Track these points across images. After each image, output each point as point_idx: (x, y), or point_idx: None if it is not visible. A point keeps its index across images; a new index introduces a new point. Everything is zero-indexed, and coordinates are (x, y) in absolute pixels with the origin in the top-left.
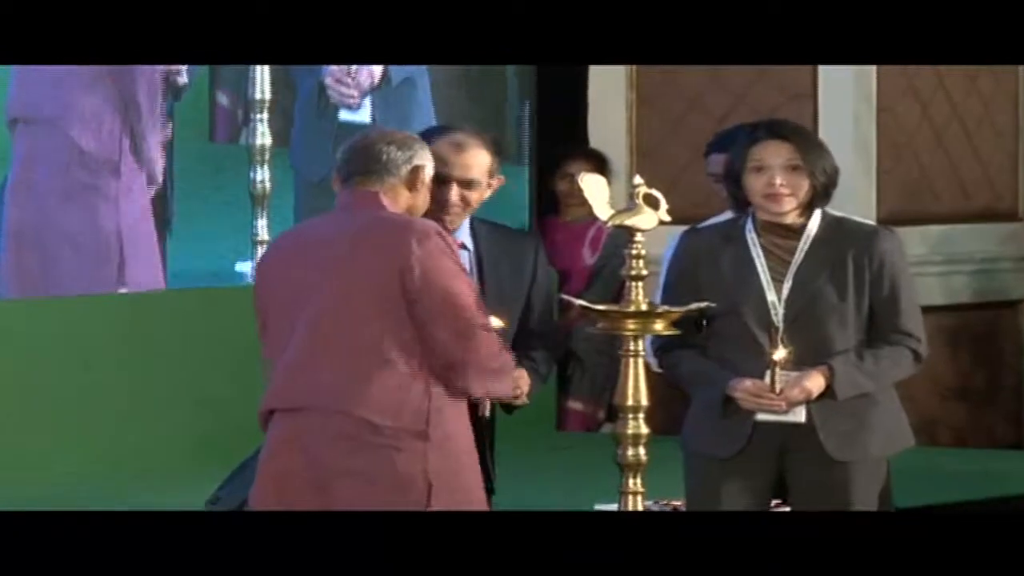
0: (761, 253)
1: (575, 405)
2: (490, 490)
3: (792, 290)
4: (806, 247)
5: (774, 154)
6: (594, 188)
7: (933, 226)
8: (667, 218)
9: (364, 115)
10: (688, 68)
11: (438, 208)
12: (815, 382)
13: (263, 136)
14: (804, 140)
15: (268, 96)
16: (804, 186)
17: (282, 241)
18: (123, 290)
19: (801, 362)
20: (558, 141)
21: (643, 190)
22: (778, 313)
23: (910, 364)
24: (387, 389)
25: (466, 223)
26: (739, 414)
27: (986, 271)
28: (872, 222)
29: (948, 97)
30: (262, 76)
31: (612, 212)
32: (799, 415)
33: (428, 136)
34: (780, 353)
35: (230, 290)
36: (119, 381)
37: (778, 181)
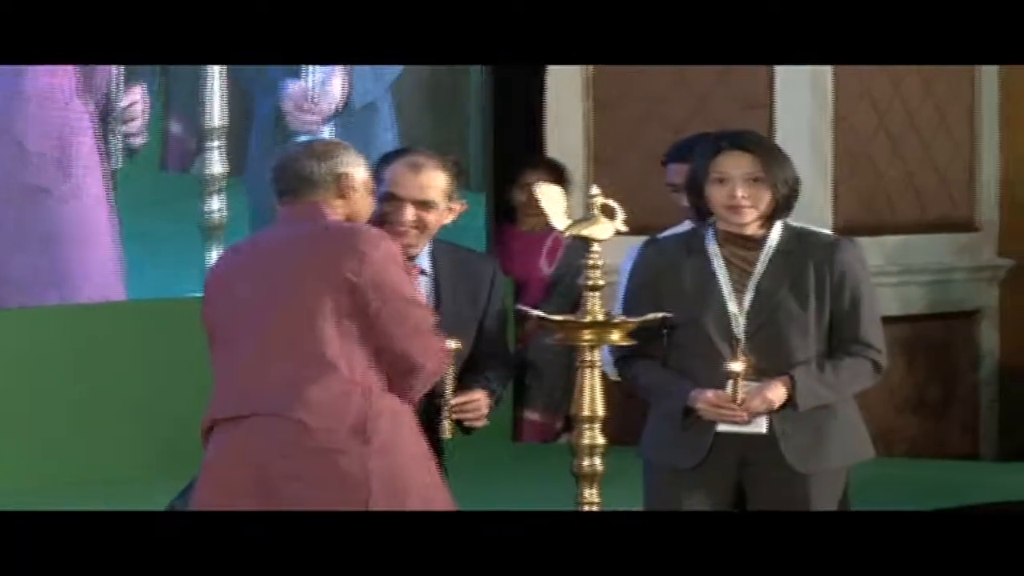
0: (722, 264)
1: (532, 415)
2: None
3: (753, 301)
4: (767, 258)
5: (736, 166)
6: (551, 198)
7: (889, 236)
8: (624, 228)
9: None
10: (646, 77)
11: (394, 229)
12: (776, 392)
13: (217, 165)
14: (766, 152)
15: (223, 123)
16: (766, 198)
17: (227, 255)
18: (78, 299)
19: (762, 373)
20: (515, 150)
21: (600, 200)
22: (739, 324)
23: (870, 375)
24: (329, 394)
25: (427, 248)
26: (700, 425)
27: (942, 281)
28: (833, 233)
29: (904, 105)
30: (217, 102)
31: (569, 222)
32: (760, 426)
33: (387, 158)
34: (740, 364)
35: (189, 301)
36: (76, 392)
37: (739, 193)
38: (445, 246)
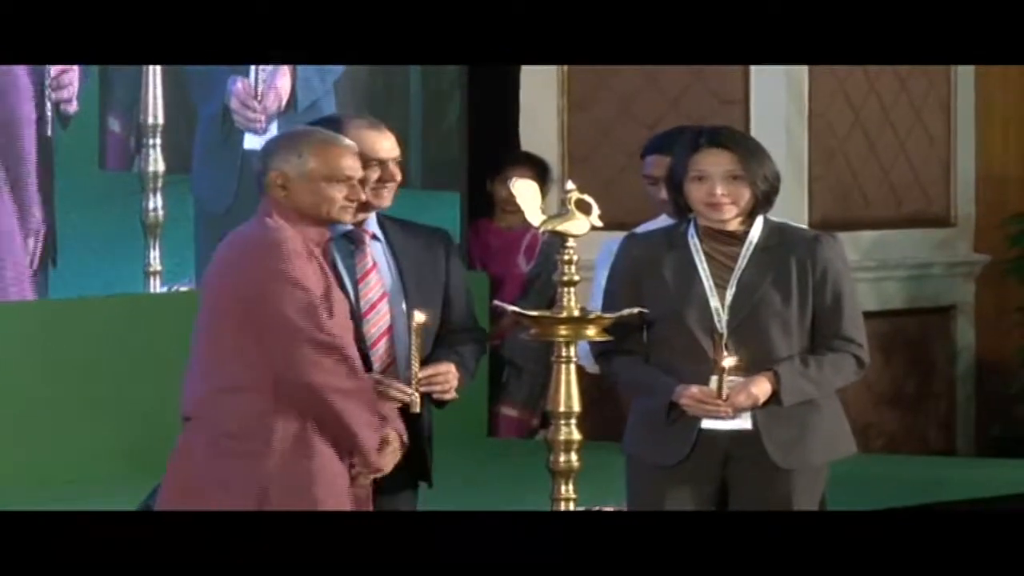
0: (704, 259)
1: (509, 411)
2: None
3: (736, 296)
4: (749, 253)
5: (715, 163)
6: (526, 194)
7: (865, 232)
8: (599, 224)
9: None
10: (620, 73)
11: (380, 191)
12: (762, 388)
13: (155, 163)
14: (745, 149)
15: (160, 121)
16: (745, 195)
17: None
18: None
19: (745, 368)
20: (490, 147)
21: (575, 196)
22: (722, 319)
23: (853, 370)
24: (237, 398)
25: (373, 217)
26: (684, 421)
27: (918, 277)
28: (814, 229)
29: (880, 101)
30: (154, 100)
31: (544, 218)
32: (745, 422)
33: (337, 124)
34: (730, 360)
35: (157, 296)
36: (44, 390)
37: (719, 191)
38: (389, 218)
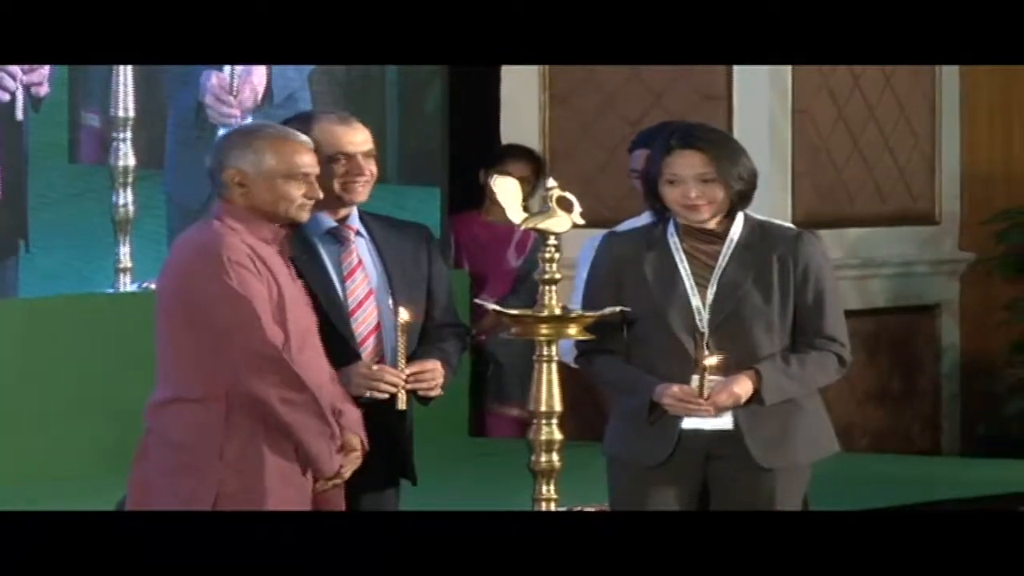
0: (684, 258)
1: (508, 411)
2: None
3: (716, 295)
4: (729, 252)
5: (687, 165)
6: (507, 191)
7: (849, 229)
8: (581, 221)
9: None
10: (603, 68)
11: (354, 186)
12: (743, 387)
13: (126, 157)
14: (717, 149)
15: (132, 114)
16: (720, 196)
17: None
18: None
19: (727, 367)
20: (471, 142)
21: (557, 193)
22: (703, 318)
23: (835, 369)
24: (187, 407)
25: (354, 212)
26: (665, 421)
27: (903, 275)
28: (796, 226)
29: (864, 98)
30: (125, 93)
31: (526, 216)
32: (727, 422)
33: (304, 124)
34: (711, 359)
35: (139, 295)
36: (25, 388)
37: (693, 193)
38: (371, 214)
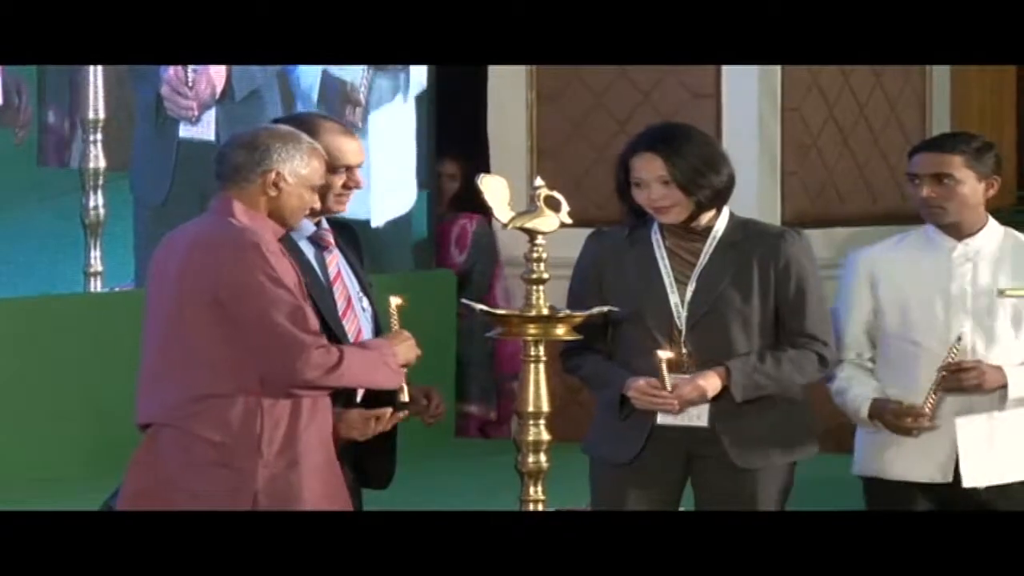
0: (665, 255)
1: (466, 407)
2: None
3: (696, 292)
4: (711, 249)
5: (646, 168)
6: (494, 190)
7: (839, 228)
8: (568, 220)
9: (207, 131)
10: (590, 67)
11: (343, 198)
12: (710, 382)
13: (96, 159)
14: (672, 153)
15: (101, 116)
16: (683, 197)
17: (162, 242)
18: None
19: (704, 365)
20: (457, 141)
21: (544, 192)
22: (681, 316)
23: (815, 368)
24: (220, 405)
25: (323, 220)
26: (637, 419)
27: None
28: (780, 224)
29: (854, 96)
30: (95, 95)
31: (512, 215)
32: (702, 420)
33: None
34: (667, 352)
35: (122, 294)
36: (8, 390)
37: (655, 195)
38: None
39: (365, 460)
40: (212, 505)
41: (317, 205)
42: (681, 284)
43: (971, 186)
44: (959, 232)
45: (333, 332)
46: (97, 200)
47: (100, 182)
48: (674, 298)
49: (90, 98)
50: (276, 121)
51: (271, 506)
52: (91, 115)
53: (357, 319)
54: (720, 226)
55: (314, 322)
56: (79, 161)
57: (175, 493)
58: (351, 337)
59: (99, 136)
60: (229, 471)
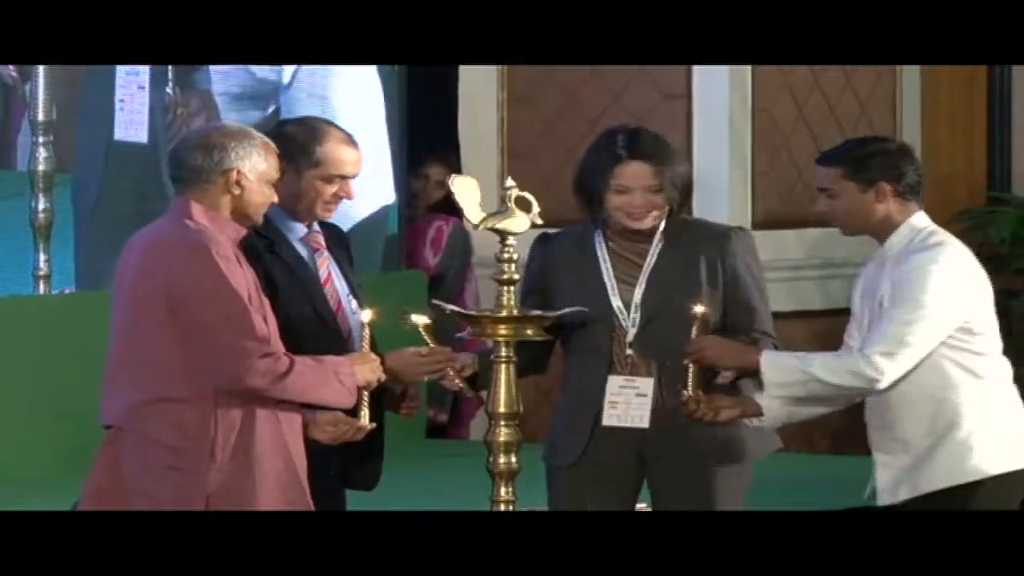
0: (608, 258)
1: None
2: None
3: (644, 294)
4: (657, 250)
5: (636, 177)
6: (465, 191)
7: (811, 229)
8: (539, 221)
9: (140, 134)
10: (562, 67)
11: (330, 206)
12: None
13: (46, 162)
14: (662, 159)
15: (54, 117)
16: (662, 204)
17: (126, 245)
18: None
19: (652, 366)
20: (427, 141)
21: (515, 192)
22: (627, 318)
23: None
24: (174, 409)
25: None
26: (576, 422)
27: None
28: (724, 223)
29: (825, 97)
30: (42, 96)
31: (483, 216)
32: (643, 421)
33: (314, 135)
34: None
35: (94, 295)
36: None
37: (638, 202)
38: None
39: (350, 461)
40: (166, 507)
41: (275, 199)
42: (628, 285)
43: (852, 197)
44: (879, 240)
45: (332, 331)
46: (47, 203)
47: (52, 184)
48: (616, 300)
49: (40, 100)
50: (282, 123)
51: (225, 510)
52: (41, 117)
53: (348, 320)
54: (664, 226)
55: (262, 329)
56: (28, 163)
57: (131, 495)
58: (345, 334)
59: (49, 138)
60: (182, 474)
